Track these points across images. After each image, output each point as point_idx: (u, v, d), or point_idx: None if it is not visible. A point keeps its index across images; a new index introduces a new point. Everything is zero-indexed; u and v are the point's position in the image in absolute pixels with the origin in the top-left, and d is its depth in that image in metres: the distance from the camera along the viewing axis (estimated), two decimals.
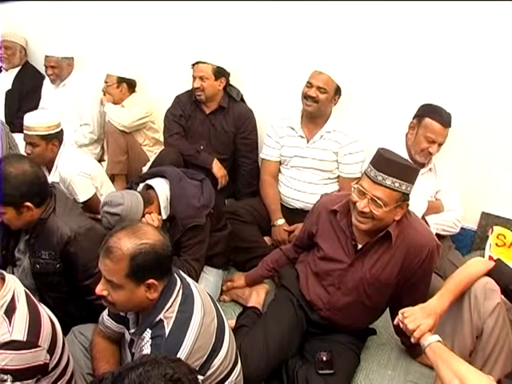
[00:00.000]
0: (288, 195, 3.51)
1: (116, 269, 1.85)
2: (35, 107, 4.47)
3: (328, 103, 3.35)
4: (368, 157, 3.06)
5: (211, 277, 3.10)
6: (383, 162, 2.24)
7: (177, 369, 1.39)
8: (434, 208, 3.19)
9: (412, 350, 2.71)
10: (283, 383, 2.51)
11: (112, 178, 3.97)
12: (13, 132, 4.02)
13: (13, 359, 1.78)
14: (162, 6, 4.08)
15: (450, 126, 3.10)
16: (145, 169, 3.82)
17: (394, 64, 3.41)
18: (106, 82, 4.18)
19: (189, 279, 2.08)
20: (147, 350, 1.86)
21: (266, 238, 3.50)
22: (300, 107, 3.42)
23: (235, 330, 2.57)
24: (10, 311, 1.84)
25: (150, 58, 4.29)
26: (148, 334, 1.90)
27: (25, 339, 1.81)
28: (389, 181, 2.22)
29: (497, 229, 3.27)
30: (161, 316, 1.90)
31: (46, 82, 4.57)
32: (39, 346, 1.85)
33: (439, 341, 1.97)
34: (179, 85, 3.90)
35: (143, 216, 2.75)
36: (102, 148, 4.45)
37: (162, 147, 3.96)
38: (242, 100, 3.81)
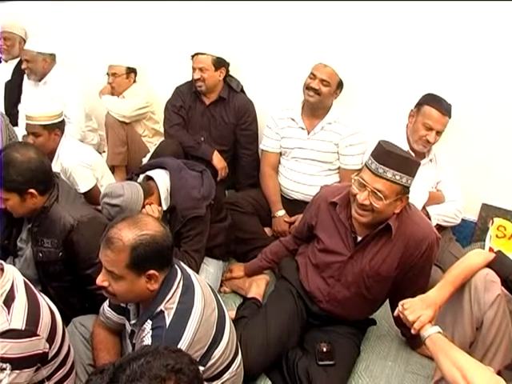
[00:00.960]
0: (288, 187, 3.50)
1: (117, 259, 1.85)
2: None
3: (330, 96, 3.34)
4: (369, 148, 3.07)
5: (211, 268, 3.10)
6: (384, 154, 2.23)
7: (178, 359, 1.40)
8: (435, 199, 3.19)
9: (412, 341, 2.72)
10: (283, 374, 2.51)
11: (112, 169, 3.98)
12: (12, 123, 4.02)
13: (11, 348, 1.79)
14: None
15: (449, 116, 3.08)
16: (145, 160, 3.82)
17: (396, 55, 3.40)
18: (113, 74, 4.14)
19: (189, 270, 2.08)
20: (148, 340, 1.86)
21: (267, 229, 3.51)
22: (300, 98, 3.41)
23: (235, 321, 2.57)
24: (9, 300, 1.84)
25: (150, 49, 4.28)
26: (149, 324, 1.90)
27: (23, 328, 1.81)
28: (390, 173, 2.21)
29: (497, 220, 3.27)
30: (161, 307, 1.90)
31: (26, 80, 4.48)
32: (38, 335, 1.85)
33: (439, 332, 1.97)
34: (179, 76, 3.89)
35: (143, 207, 2.75)
36: (101, 139, 4.45)
37: (162, 138, 3.96)
38: (242, 91, 3.79)
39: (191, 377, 1.39)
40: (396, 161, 2.22)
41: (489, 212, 3.44)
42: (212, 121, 3.73)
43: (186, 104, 3.76)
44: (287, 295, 2.65)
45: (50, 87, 4.30)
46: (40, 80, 4.30)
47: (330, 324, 2.63)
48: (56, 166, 3.34)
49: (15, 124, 4.27)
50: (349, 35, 3.49)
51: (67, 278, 2.56)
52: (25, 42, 4.77)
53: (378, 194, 2.24)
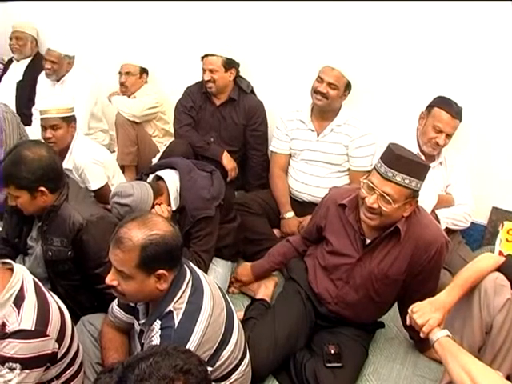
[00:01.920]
0: (297, 188, 3.50)
1: (126, 259, 1.85)
2: None
3: (338, 99, 3.33)
4: (378, 150, 3.06)
5: (220, 268, 3.11)
6: (394, 158, 2.22)
7: (187, 360, 1.40)
8: (445, 202, 3.17)
9: (420, 344, 2.71)
10: (291, 376, 2.51)
11: (122, 168, 3.98)
12: (24, 123, 4.04)
13: (21, 348, 1.80)
14: None
15: (459, 119, 3.07)
16: (155, 160, 3.81)
17: (406, 57, 3.39)
18: (126, 73, 4.15)
19: (198, 271, 2.09)
20: (156, 340, 1.87)
21: (275, 231, 3.50)
22: (310, 100, 3.40)
23: (243, 322, 2.57)
24: (18, 301, 1.86)
25: (161, 50, 4.30)
26: (157, 324, 1.91)
27: (33, 328, 1.83)
28: (399, 177, 2.21)
29: (507, 224, 3.24)
30: (170, 307, 1.91)
31: (41, 77, 4.51)
32: (47, 335, 1.87)
33: (448, 336, 1.96)
34: (190, 76, 3.90)
35: (153, 207, 2.76)
36: (111, 139, 4.47)
37: (172, 138, 3.97)
38: (252, 92, 3.80)
39: (200, 378, 1.40)
40: (406, 165, 2.21)
41: (499, 216, 3.42)
42: (222, 121, 3.73)
43: (196, 104, 3.77)
44: (295, 296, 2.65)
45: (67, 87, 4.34)
46: (58, 80, 4.33)
47: (339, 326, 2.62)
48: (69, 163, 3.38)
49: (26, 123, 4.29)
50: (358, 36, 3.48)
51: (76, 277, 2.57)
52: (37, 41, 4.81)
53: (387, 197, 2.23)
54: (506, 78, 3.17)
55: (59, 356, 1.97)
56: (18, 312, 1.84)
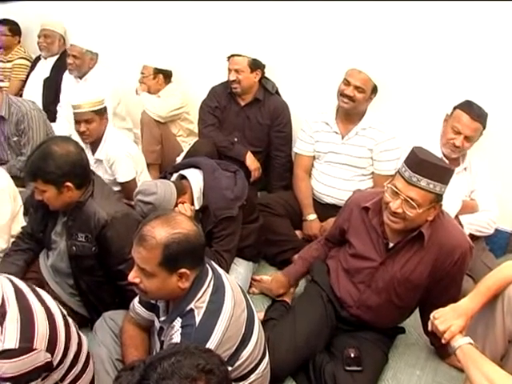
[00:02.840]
0: (320, 190, 3.49)
1: (149, 257, 1.86)
2: None
3: (364, 102, 3.31)
4: (403, 154, 3.03)
5: (241, 268, 3.11)
6: (418, 162, 2.21)
7: (209, 360, 1.40)
8: (469, 208, 3.14)
9: (441, 350, 2.68)
10: (310, 378, 2.50)
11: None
12: (50, 119, 4.09)
13: (9, 368, 1.75)
14: None
15: (480, 122, 3.01)
16: (178, 159, 3.84)
17: (433, 61, 3.37)
18: (142, 73, 4.20)
19: (220, 270, 2.09)
20: (177, 338, 1.87)
21: (297, 232, 3.50)
22: (335, 102, 3.39)
23: (263, 323, 2.58)
24: (0, 318, 1.79)
25: (187, 50, 4.33)
26: (178, 322, 1.91)
27: (17, 346, 1.76)
28: (424, 182, 2.19)
29: None
30: (192, 305, 1.91)
31: (66, 75, 4.57)
32: (35, 349, 1.80)
33: (470, 343, 1.94)
34: (215, 76, 3.92)
35: (176, 205, 2.77)
36: (136, 137, 4.50)
37: (196, 138, 3.99)
38: (277, 93, 3.81)
39: (221, 377, 1.40)
40: (430, 169, 2.19)
41: None
42: (246, 122, 3.75)
43: (221, 105, 3.79)
44: (317, 299, 2.64)
45: (90, 84, 4.37)
46: (81, 77, 4.37)
47: (359, 330, 2.61)
48: (101, 153, 3.47)
49: (52, 120, 4.34)
50: (384, 38, 3.47)
51: (99, 273, 2.59)
52: (64, 39, 4.87)
53: (412, 202, 2.21)
54: None
55: (55, 363, 1.92)
56: (1, 330, 1.77)
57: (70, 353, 2.01)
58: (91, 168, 3.25)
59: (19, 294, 1.90)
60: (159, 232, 1.87)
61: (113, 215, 2.50)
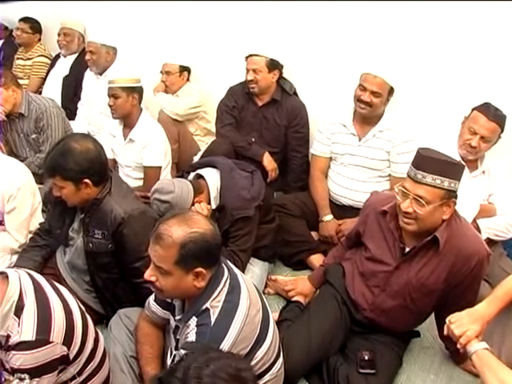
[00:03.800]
0: (337, 192, 3.48)
1: (165, 256, 1.87)
2: None
3: (381, 105, 3.30)
4: None
5: (257, 269, 3.11)
6: (422, 159, 2.24)
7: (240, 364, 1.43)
8: (486, 211, 3.11)
9: (456, 355, 2.65)
10: (323, 380, 2.50)
11: None
12: (68, 117, 4.13)
13: (26, 360, 1.80)
14: None
15: (498, 123, 3.00)
16: (196, 158, 3.85)
17: (451, 62, 3.35)
18: (166, 73, 4.20)
19: (236, 270, 2.10)
20: (192, 337, 1.89)
21: (313, 233, 3.49)
22: (352, 104, 3.37)
23: (278, 324, 2.56)
24: (18, 310, 1.85)
25: (205, 49, 4.33)
26: (194, 321, 1.92)
27: (34, 338, 1.82)
28: (429, 178, 2.20)
29: None
30: (207, 305, 1.92)
31: (87, 72, 4.61)
32: (51, 342, 1.85)
33: (486, 348, 1.93)
34: (233, 76, 3.92)
35: (193, 205, 2.78)
36: None
37: (213, 138, 4.00)
38: (295, 94, 3.80)
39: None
40: (434, 165, 2.21)
41: None
42: (264, 122, 3.75)
43: (239, 104, 3.79)
44: (331, 300, 2.63)
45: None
46: (101, 73, 4.40)
47: (373, 333, 2.60)
48: (136, 134, 3.58)
49: (71, 118, 4.37)
50: (402, 40, 3.45)
51: (115, 270, 2.62)
52: (83, 38, 4.91)
53: (420, 200, 2.22)
54: None
55: (72, 356, 1.96)
56: (19, 323, 1.83)
57: (87, 347, 2.04)
58: (119, 147, 3.47)
59: (37, 288, 1.94)
60: (176, 231, 1.87)
61: (130, 213, 2.51)
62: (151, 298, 2.25)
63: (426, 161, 2.22)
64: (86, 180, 2.45)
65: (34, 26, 5.27)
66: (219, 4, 4.14)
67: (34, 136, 3.86)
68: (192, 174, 3.02)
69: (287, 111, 3.70)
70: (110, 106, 3.55)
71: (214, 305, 1.92)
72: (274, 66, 3.65)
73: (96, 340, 2.14)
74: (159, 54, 4.35)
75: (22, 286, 1.90)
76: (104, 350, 2.21)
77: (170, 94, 4.21)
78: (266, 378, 2.06)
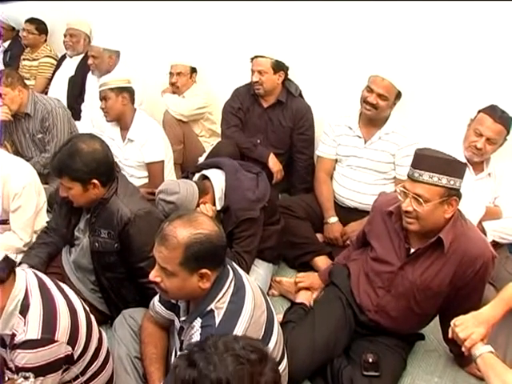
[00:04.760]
0: (341, 194, 3.48)
1: (170, 257, 1.87)
2: None
3: (388, 108, 3.30)
4: None
5: (261, 270, 3.11)
6: (418, 158, 2.27)
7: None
8: (492, 214, 3.10)
9: (461, 358, 2.65)
10: (327, 382, 2.50)
11: None
12: (74, 118, 4.14)
13: (30, 358, 1.81)
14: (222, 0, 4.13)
15: (503, 125, 3.00)
16: (201, 159, 3.86)
17: (457, 65, 3.35)
18: (178, 74, 4.17)
19: (241, 271, 2.10)
20: (197, 338, 1.88)
21: (318, 235, 3.48)
22: (358, 106, 3.37)
23: (282, 325, 2.56)
24: (24, 309, 1.86)
25: (211, 50, 4.34)
26: (198, 322, 1.92)
27: (39, 337, 1.83)
28: (426, 176, 2.22)
29: None
30: (212, 306, 1.92)
31: (90, 76, 4.59)
32: (56, 341, 1.86)
33: (491, 352, 1.92)
34: (238, 77, 3.92)
35: (198, 206, 2.79)
36: None
37: (219, 139, 4.01)
38: (301, 95, 3.80)
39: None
40: (430, 162, 2.23)
41: None
42: (269, 124, 3.75)
43: (244, 106, 3.80)
44: (336, 302, 2.63)
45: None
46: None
47: (378, 335, 2.59)
48: (133, 133, 3.59)
49: (76, 118, 4.38)
50: (408, 43, 3.46)
51: (121, 270, 2.62)
52: (89, 39, 4.92)
53: (419, 198, 2.24)
54: None
55: (76, 356, 1.97)
56: (24, 322, 1.84)
57: (91, 347, 2.05)
58: (118, 149, 3.46)
59: (43, 287, 1.96)
60: (181, 232, 1.88)
61: (136, 213, 2.52)
62: (156, 298, 2.26)
63: (423, 159, 2.25)
64: (94, 180, 2.46)
65: (41, 26, 5.29)
66: (225, 5, 4.14)
67: (39, 136, 3.87)
68: (197, 175, 3.02)
69: (292, 113, 3.70)
70: (102, 108, 3.57)
71: (219, 306, 1.92)
72: (279, 67, 3.65)
73: (100, 340, 2.15)
74: (165, 56, 4.35)
75: (27, 284, 1.92)
76: (107, 349, 2.21)
77: (176, 95, 4.21)
78: None
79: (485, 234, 2.90)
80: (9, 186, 2.90)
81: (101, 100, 3.56)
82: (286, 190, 3.90)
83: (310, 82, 3.87)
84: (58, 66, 5.14)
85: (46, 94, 4.84)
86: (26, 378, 1.83)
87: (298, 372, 2.40)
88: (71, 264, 2.78)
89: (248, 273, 2.85)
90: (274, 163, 3.69)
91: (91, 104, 4.52)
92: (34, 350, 1.82)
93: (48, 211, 3.19)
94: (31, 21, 5.27)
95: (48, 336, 1.85)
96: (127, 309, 2.46)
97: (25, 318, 1.85)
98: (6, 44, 5.66)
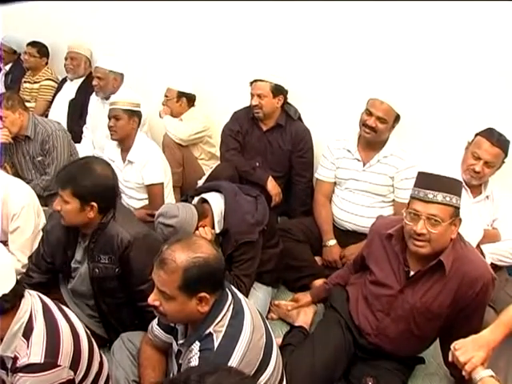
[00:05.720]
0: (341, 217, 3.48)
1: (169, 280, 1.87)
2: None
3: (386, 132, 3.32)
4: None
5: (260, 293, 3.10)
6: (429, 179, 2.28)
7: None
8: (490, 237, 3.10)
9: (461, 382, 2.62)
10: None
11: None
12: (74, 140, 4.15)
13: (32, 382, 1.79)
14: (222, 24, 4.19)
15: (501, 148, 3.01)
16: (200, 182, 3.87)
17: (454, 90, 3.37)
18: (166, 96, 4.25)
19: (240, 295, 2.09)
20: (195, 362, 1.87)
21: (317, 258, 3.48)
22: (357, 129, 3.39)
23: (281, 349, 2.55)
24: (27, 332, 1.85)
25: (210, 74, 4.37)
26: (196, 346, 1.91)
27: (42, 361, 1.81)
28: (440, 196, 2.24)
29: None
30: (210, 329, 1.91)
31: (93, 97, 4.64)
32: (59, 366, 1.84)
33: (492, 376, 1.91)
34: (238, 101, 3.95)
35: (197, 229, 2.79)
36: None
37: (218, 162, 4.02)
38: (300, 119, 3.82)
39: None
40: (442, 183, 2.25)
41: None
42: (268, 147, 3.77)
43: (243, 129, 3.82)
44: (335, 325, 2.62)
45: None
46: (107, 98, 4.42)
47: (378, 358, 2.58)
48: (133, 155, 3.62)
49: (76, 141, 4.40)
50: (406, 66, 3.48)
51: (121, 295, 2.61)
52: (90, 62, 4.96)
53: (435, 219, 2.24)
54: None
55: (77, 381, 1.95)
56: (28, 345, 1.83)
57: (92, 372, 2.04)
58: (120, 170, 3.51)
59: (47, 311, 1.95)
60: (179, 256, 1.88)
61: (135, 236, 2.52)
62: (154, 321, 2.25)
63: (434, 180, 2.26)
64: (94, 203, 2.46)
65: (42, 50, 5.33)
66: (225, 29, 4.18)
67: (39, 158, 3.89)
68: (196, 199, 3.02)
69: (291, 136, 3.72)
70: (110, 127, 3.59)
71: (218, 329, 1.91)
72: (278, 91, 3.67)
73: (100, 364, 2.14)
74: (165, 79, 4.37)
75: (32, 307, 1.91)
76: (108, 373, 2.20)
77: (176, 119, 4.23)
78: None
79: (483, 257, 2.89)
80: (8, 206, 2.91)
81: (109, 118, 3.59)
82: (284, 212, 3.91)
83: (309, 105, 3.89)
84: (58, 89, 5.18)
85: (47, 116, 4.87)
86: None
87: None
88: (68, 291, 2.78)
89: (247, 296, 2.84)
90: (272, 186, 3.70)
91: (93, 124, 4.56)
92: (37, 375, 1.80)
93: None
94: (33, 44, 5.32)
95: (51, 360, 1.83)
96: (126, 332, 2.44)
97: (28, 340, 1.84)
98: (8, 67, 5.70)
